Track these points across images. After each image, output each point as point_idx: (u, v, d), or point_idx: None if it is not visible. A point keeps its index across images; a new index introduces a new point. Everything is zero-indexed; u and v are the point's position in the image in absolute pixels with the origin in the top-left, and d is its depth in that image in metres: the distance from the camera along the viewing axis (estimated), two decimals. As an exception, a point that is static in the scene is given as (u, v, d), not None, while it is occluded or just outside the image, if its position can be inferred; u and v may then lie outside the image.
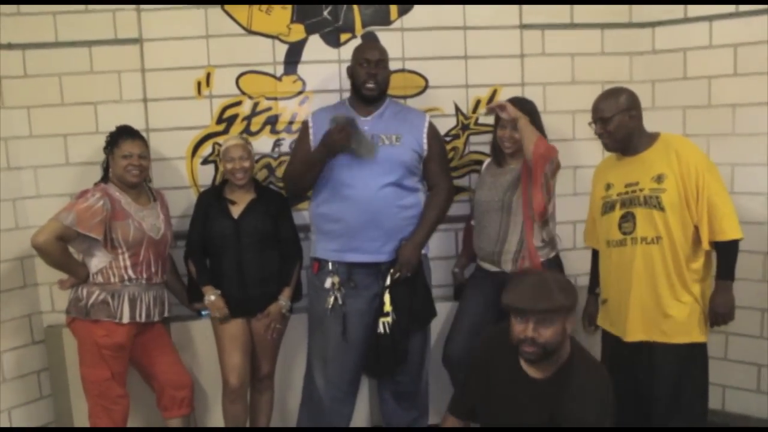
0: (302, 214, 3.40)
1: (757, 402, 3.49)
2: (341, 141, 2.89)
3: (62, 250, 2.87)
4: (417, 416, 3.23)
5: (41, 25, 3.33)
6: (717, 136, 3.48)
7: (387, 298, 2.97)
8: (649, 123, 3.54)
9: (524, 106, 3.07)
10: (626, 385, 2.78)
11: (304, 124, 3.14)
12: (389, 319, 2.96)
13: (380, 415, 3.34)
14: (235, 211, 3.11)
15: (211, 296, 3.07)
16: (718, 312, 2.76)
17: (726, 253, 2.77)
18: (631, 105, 2.84)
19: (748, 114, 3.40)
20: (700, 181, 2.70)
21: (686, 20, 3.49)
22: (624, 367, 2.83)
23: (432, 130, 3.12)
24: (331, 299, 2.99)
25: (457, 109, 3.56)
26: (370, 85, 3.02)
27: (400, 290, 2.99)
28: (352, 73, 3.09)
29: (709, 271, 2.84)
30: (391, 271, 2.98)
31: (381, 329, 2.97)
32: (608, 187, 2.92)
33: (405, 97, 3.51)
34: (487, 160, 3.29)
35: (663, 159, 2.77)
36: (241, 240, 3.08)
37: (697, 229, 2.74)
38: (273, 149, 3.51)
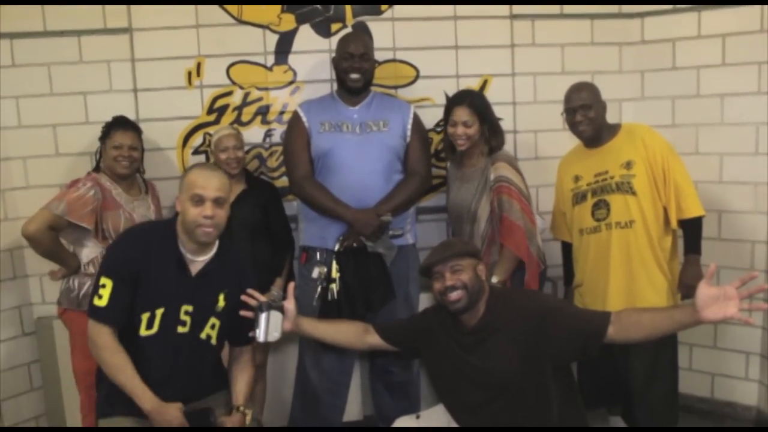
0: (292, 204, 3.39)
1: (745, 389, 3.53)
2: (370, 235, 2.92)
3: (53, 239, 2.86)
4: (408, 406, 3.23)
5: (30, 14, 3.30)
6: (705, 126, 3.50)
7: (334, 264, 2.95)
8: (638, 113, 3.60)
9: (475, 100, 3.05)
10: (604, 363, 2.96)
11: (295, 116, 3.12)
12: (335, 285, 2.94)
13: (372, 405, 3.34)
14: (227, 200, 3.11)
15: None
16: (689, 284, 2.84)
17: (692, 229, 2.94)
18: (600, 96, 2.99)
19: (736, 104, 3.42)
20: (665, 165, 2.87)
21: (675, 10, 3.51)
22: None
23: (416, 119, 3.15)
24: (319, 289, 2.99)
25: (448, 98, 3.56)
26: (355, 76, 3.04)
27: (350, 259, 2.96)
28: (336, 65, 3.11)
29: (676, 249, 3.01)
30: (340, 237, 2.97)
31: (329, 296, 2.94)
32: (577, 179, 3.05)
33: (396, 87, 3.52)
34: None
35: (629, 146, 2.92)
36: (231, 229, 3.06)
37: (665, 210, 2.91)
38: (264, 139, 3.50)
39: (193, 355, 2.32)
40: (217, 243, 2.37)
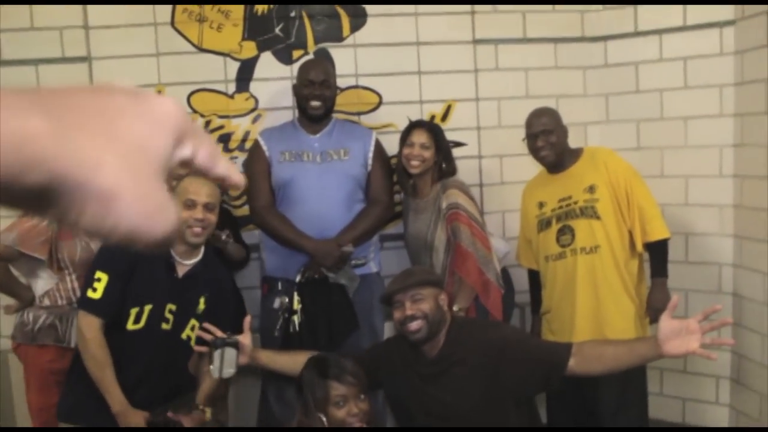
0: (254, 234, 3.35)
1: (716, 414, 3.50)
2: (332, 267, 2.89)
3: (4, 271, 2.82)
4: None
5: (-14, 43, 3.28)
6: (670, 149, 3.50)
7: (296, 296, 2.90)
8: (604, 136, 3.60)
9: (433, 127, 3.11)
10: (572, 394, 2.90)
11: (256, 145, 3.10)
12: (297, 317, 2.89)
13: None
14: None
15: None
16: (657, 308, 2.80)
17: (658, 252, 2.94)
18: (562, 120, 2.99)
19: (699, 126, 3.43)
20: (629, 188, 2.87)
21: (637, 34, 3.53)
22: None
23: (378, 146, 3.13)
24: (281, 320, 2.94)
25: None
26: (315, 104, 3.01)
27: (312, 290, 2.92)
28: (297, 92, 3.09)
29: (643, 273, 2.99)
30: (302, 269, 2.92)
31: (291, 328, 2.88)
32: (541, 205, 3.03)
33: (359, 114, 3.50)
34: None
35: (592, 170, 2.92)
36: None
37: (630, 233, 2.89)
38: (226, 167, 3.46)
39: (172, 353, 2.43)
40: (203, 250, 2.52)
